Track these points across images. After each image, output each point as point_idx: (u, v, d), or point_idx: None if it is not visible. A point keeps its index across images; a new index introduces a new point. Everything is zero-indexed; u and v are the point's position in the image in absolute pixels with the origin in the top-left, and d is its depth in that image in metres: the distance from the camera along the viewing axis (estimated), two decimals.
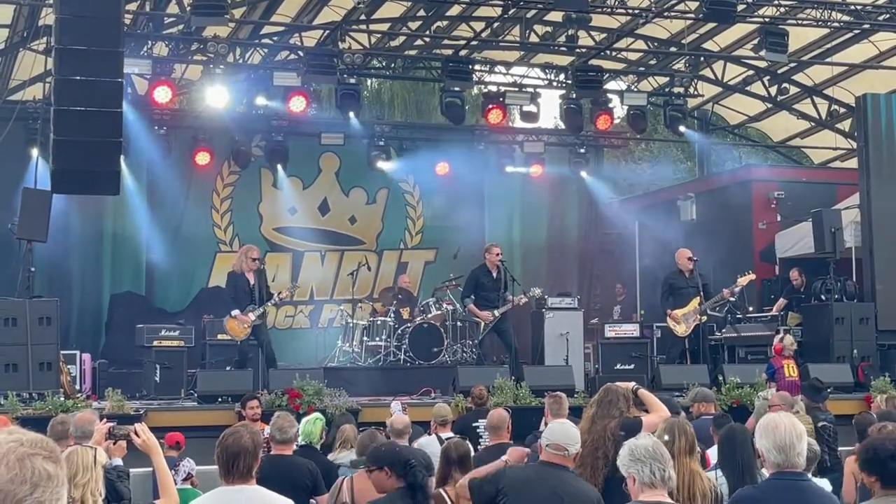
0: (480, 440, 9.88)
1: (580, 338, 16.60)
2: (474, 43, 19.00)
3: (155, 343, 14.38)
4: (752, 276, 16.24)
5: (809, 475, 7.38)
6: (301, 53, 17.88)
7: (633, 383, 7.28)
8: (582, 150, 21.76)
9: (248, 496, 4.83)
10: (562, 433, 5.84)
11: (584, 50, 18.91)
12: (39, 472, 2.23)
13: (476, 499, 5.84)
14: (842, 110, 20.84)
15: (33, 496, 2.21)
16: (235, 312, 13.90)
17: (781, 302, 17.82)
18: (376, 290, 20.70)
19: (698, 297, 15.61)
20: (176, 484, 7.47)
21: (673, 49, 19.87)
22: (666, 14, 17.01)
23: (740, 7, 16.12)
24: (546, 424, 8.33)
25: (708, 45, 19.77)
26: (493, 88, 19.79)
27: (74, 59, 11.57)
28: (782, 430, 4.83)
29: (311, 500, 7.48)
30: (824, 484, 7.40)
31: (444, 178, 21.37)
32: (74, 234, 18.86)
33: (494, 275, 15.39)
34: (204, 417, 12.07)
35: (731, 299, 16.28)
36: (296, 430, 7.70)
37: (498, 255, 15.46)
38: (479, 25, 18.56)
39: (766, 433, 4.90)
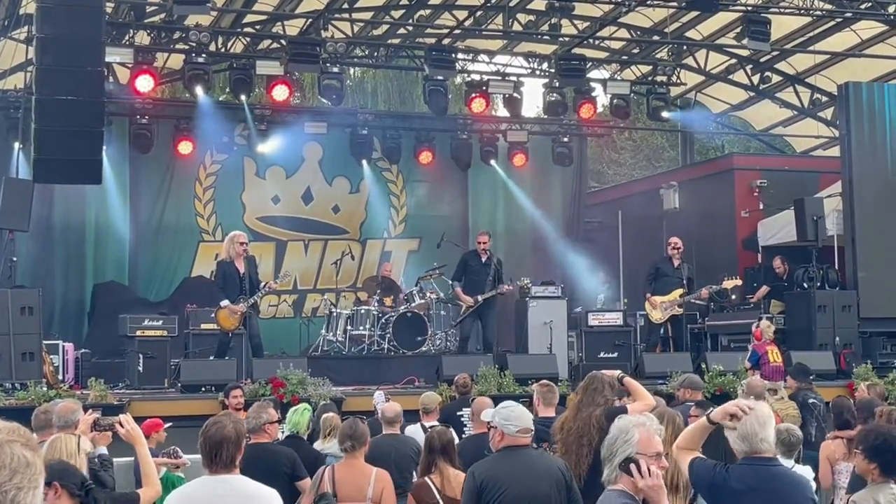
0: (464, 428, 9.91)
1: (564, 326, 16.62)
2: (457, 32, 18.94)
3: (138, 333, 14.30)
4: (738, 282, 16.34)
5: (792, 461, 7.45)
6: (284, 42, 17.80)
7: (618, 371, 7.29)
8: (565, 139, 21.77)
9: (233, 486, 4.81)
10: (525, 416, 5.95)
11: (567, 38, 18.87)
12: (18, 459, 2.24)
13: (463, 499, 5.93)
14: (824, 98, 20.89)
15: (12, 482, 2.21)
16: (225, 303, 13.64)
17: (764, 289, 17.86)
18: (360, 280, 20.70)
19: (681, 289, 15.69)
20: (186, 465, 7.48)
21: (656, 38, 19.88)
22: (649, 3, 16.99)
23: None
24: (536, 414, 8.36)
25: (690, 33, 19.78)
26: (477, 77, 19.76)
27: (55, 47, 11.52)
28: (743, 419, 4.77)
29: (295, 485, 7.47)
30: (805, 471, 7.43)
31: (428, 167, 21.37)
32: (56, 224, 18.77)
33: (483, 259, 15.50)
34: (187, 407, 12.05)
35: (715, 290, 16.33)
36: (263, 421, 7.60)
37: (481, 242, 15.59)
38: (461, 14, 18.52)
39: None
